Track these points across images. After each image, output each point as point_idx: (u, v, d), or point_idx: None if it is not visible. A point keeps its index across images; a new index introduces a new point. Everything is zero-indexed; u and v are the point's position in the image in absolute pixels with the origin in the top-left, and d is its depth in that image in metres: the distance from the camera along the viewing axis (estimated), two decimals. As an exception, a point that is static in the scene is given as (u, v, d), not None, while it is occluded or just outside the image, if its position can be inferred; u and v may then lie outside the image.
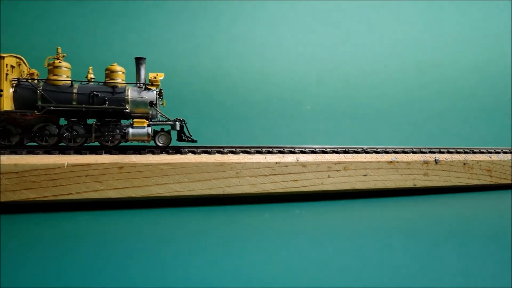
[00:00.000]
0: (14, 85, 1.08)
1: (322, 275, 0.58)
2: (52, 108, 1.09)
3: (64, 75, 1.13)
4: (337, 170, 1.16)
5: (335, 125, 2.31)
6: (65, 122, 1.15)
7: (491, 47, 2.67)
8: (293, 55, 2.34)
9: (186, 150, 1.15)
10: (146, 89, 1.19)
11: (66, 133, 1.12)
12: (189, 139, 1.22)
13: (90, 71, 1.18)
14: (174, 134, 1.22)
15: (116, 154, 1.05)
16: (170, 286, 0.53)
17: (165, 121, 1.21)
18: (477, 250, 0.71)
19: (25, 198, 0.92)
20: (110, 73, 1.18)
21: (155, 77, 1.20)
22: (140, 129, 1.14)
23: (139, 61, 1.22)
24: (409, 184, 1.25)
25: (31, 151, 1.02)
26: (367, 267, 0.61)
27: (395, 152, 1.33)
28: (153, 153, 1.09)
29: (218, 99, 2.13)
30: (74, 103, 1.11)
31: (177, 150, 1.15)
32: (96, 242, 0.73)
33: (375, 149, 1.32)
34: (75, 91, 1.12)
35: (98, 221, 0.89)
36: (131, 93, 1.17)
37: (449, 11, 2.61)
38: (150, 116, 1.19)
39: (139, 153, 1.07)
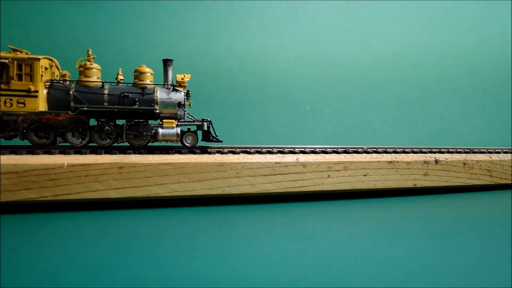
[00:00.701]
0: (47, 86, 1.09)
1: (322, 275, 0.58)
2: (85, 109, 1.10)
3: (95, 76, 1.15)
4: (337, 170, 1.16)
5: (335, 125, 2.31)
6: (94, 123, 1.17)
7: (491, 47, 2.67)
8: (293, 55, 2.34)
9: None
10: (174, 90, 1.21)
11: (99, 133, 1.14)
12: (215, 139, 1.24)
13: (120, 72, 1.20)
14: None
15: (116, 154, 1.05)
16: (170, 286, 0.53)
17: (193, 122, 1.24)
18: (477, 250, 0.71)
19: (25, 198, 0.92)
20: (139, 74, 1.20)
21: (182, 78, 1.22)
22: (169, 129, 1.16)
23: (166, 62, 1.25)
24: (409, 184, 1.25)
25: (31, 151, 1.02)
26: (367, 267, 0.61)
27: (395, 152, 1.33)
28: (153, 153, 1.09)
29: (218, 98, 2.13)
30: (105, 103, 1.13)
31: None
32: (96, 242, 0.73)
33: (375, 149, 1.32)
34: (106, 92, 1.14)
35: (98, 221, 0.89)
36: (160, 94, 1.19)
37: (450, 11, 2.61)
38: (178, 117, 1.21)
39: (139, 153, 1.07)
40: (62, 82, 1.11)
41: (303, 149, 1.24)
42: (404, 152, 1.33)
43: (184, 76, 1.23)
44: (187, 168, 1.02)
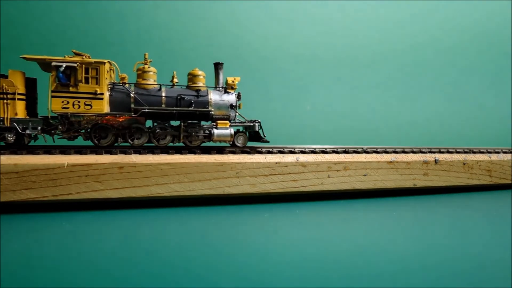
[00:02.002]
0: (109, 88, 1.13)
1: (322, 275, 0.58)
2: (146, 110, 1.14)
3: (151, 79, 1.19)
4: (337, 170, 1.16)
5: (335, 125, 2.31)
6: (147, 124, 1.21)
7: (491, 46, 2.67)
8: (293, 55, 2.34)
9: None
10: (226, 92, 1.26)
11: (159, 134, 1.18)
12: (264, 140, 1.28)
13: (175, 75, 1.23)
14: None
15: (116, 154, 1.05)
16: (170, 286, 0.53)
17: (244, 122, 1.29)
18: (477, 250, 0.71)
19: (25, 198, 0.92)
20: (192, 77, 1.24)
21: (233, 81, 1.27)
22: (224, 130, 1.20)
23: (218, 66, 1.29)
24: (409, 184, 1.25)
25: (31, 151, 1.02)
26: (367, 267, 0.61)
27: (395, 152, 1.33)
28: (153, 153, 1.09)
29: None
30: (163, 105, 1.17)
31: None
32: (96, 242, 0.73)
33: (375, 149, 1.32)
34: (163, 94, 1.17)
35: (98, 221, 0.89)
36: (213, 96, 1.23)
37: (450, 11, 2.61)
38: (230, 118, 1.24)
39: (139, 153, 1.07)
40: (122, 84, 1.15)
41: (303, 149, 1.24)
42: (404, 152, 1.34)
43: (235, 79, 1.27)
44: (187, 168, 1.02)
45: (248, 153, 1.16)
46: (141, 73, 1.18)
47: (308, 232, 0.82)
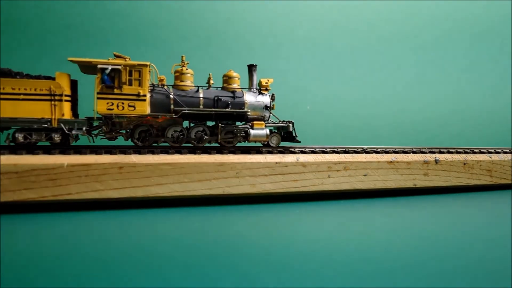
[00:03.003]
0: (150, 90, 1.15)
1: (322, 275, 0.58)
2: (187, 111, 1.16)
3: (189, 80, 1.22)
4: (337, 170, 1.16)
5: (335, 125, 2.31)
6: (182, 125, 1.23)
7: (491, 46, 2.67)
8: (293, 55, 2.34)
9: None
10: (261, 93, 1.29)
11: (200, 135, 1.21)
12: (297, 140, 1.31)
13: (211, 76, 1.27)
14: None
15: (116, 154, 1.05)
16: (170, 286, 0.53)
17: (277, 123, 1.32)
18: (477, 250, 0.71)
19: (25, 198, 0.92)
20: (228, 79, 1.27)
21: (266, 82, 1.30)
22: (260, 130, 1.24)
23: (251, 68, 1.33)
24: (409, 184, 1.25)
25: (31, 151, 1.02)
26: (367, 267, 0.61)
27: (395, 152, 1.33)
28: (153, 153, 1.09)
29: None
30: (201, 106, 1.20)
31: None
32: (96, 242, 0.73)
33: (375, 149, 1.32)
34: (201, 95, 1.20)
35: (98, 221, 0.89)
36: (248, 97, 1.26)
37: (450, 11, 2.61)
38: (264, 118, 1.28)
39: (139, 153, 1.07)
40: (161, 86, 1.18)
41: (303, 149, 1.24)
42: (404, 152, 1.33)
43: (268, 80, 1.30)
44: (187, 168, 1.02)
45: (248, 153, 1.16)
46: (179, 75, 1.21)
47: (308, 232, 0.82)
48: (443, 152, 1.38)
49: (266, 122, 1.28)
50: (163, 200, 1.05)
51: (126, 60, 1.11)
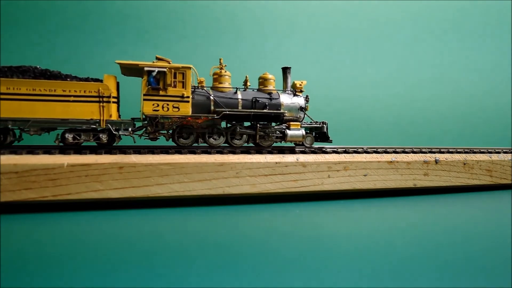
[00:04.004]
0: (191, 92, 1.18)
1: (322, 275, 0.58)
2: (227, 112, 1.20)
3: (227, 82, 1.26)
4: (337, 170, 1.16)
5: (335, 125, 2.31)
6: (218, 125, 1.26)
7: (491, 47, 2.67)
8: (293, 55, 2.34)
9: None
10: (295, 95, 1.32)
11: (237, 134, 1.24)
12: (329, 140, 1.36)
13: (247, 78, 1.31)
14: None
15: (116, 154, 1.05)
16: (170, 286, 0.53)
17: (311, 123, 1.36)
18: (477, 250, 0.71)
19: (25, 198, 0.92)
20: (264, 81, 1.31)
21: (300, 84, 1.34)
22: (296, 131, 1.27)
23: (286, 70, 1.37)
24: (409, 184, 1.25)
25: (31, 151, 1.02)
26: (367, 267, 0.61)
27: (395, 152, 1.33)
28: (153, 153, 1.09)
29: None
30: (239, 107, 1.23)
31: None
32: (96, 242, 0.73)
33: (375, 149, 1.32)
34: (240, 97, 1.24)
35: (98, 221, 0.89)
36: (284, 98, 1.29)
37: (450, 11, 2.61)
38: (299, 119, 1.31)
39: (139, 153, 1.07)
40: (201, 88, 1.22)
41: (303, 149, 1.24)
42: (404, 152, 1.33)
43: (302, 83, 1.34)
44: (187, 168, 1.02)
45: (248, 153, 1.16)
46: (218, 77, 1.25)
47: (308, 232, 0.82)
48: (443, 152, 1.38)
49: (300, 123, 1.32)
50: (163, 200, 1.05)
51: (169, 63, 1.14)
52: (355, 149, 1.30)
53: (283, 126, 1.30)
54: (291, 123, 1.28)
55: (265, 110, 1.24)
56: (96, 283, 0.53)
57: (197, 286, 0.53)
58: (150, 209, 1.01)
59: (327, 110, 2.34)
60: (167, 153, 1.11)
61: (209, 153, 1.13)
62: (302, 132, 1.27)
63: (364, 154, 1.26)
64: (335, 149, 1.28)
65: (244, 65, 2.25)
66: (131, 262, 0.62)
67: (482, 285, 0.55)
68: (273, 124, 1.31)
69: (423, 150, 1.38)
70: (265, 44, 2.31)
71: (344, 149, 1.29)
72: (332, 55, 2.41)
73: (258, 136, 1.24)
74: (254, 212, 1.01)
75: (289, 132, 1.26)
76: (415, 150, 1.37)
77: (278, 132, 1.27)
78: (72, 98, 1.05)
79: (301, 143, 1.31)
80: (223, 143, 1.25)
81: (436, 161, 1.28)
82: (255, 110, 1.23)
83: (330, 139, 1.35)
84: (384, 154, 1.28)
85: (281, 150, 1.22)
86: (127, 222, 0.89)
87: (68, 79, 1.07)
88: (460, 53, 2.63)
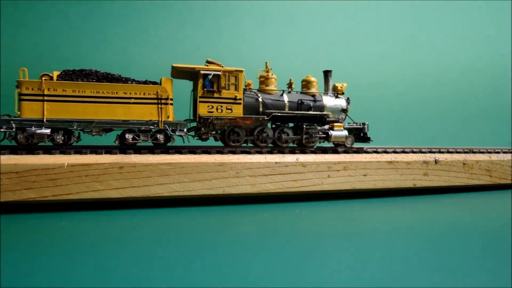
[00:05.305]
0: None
1: (322, 275, 0.58)
2: (278, 114, 1.23)
3: (273, 85, 1.30)
4: (337, 170, 1.16)
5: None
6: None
7: (491, 47, 2.67)
8: (293, 56, 2.34)
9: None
10: (337, 97, 1.37)
11: (285, 135, 1.27)
12: (369, 140, 1.40)
13: (292, 81, 1.34)
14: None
15: (116, 154, 1.05)
16: (170, 286, 0.53)
17: (352, 124, 1.39)
18: (477, 250, 0.71)
19: (25, 198, 0.92)
20: (307, 83, 1.35)
21: (341, 87, 1.38)
22: (340, 131, 1.31)
23: (327, 73, 1.42)
24: (409, 184, 1.25)
25: (31, 151, 1.02)
26: (367, 267, 0.61)
27: (395, 152, 1.33)
28: (153, 153, 1.09)
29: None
30: (286, 109, 1.26)
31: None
32: (96, 242, 0.73)
33: (375, 149, 1.32)
34: (286, 99, 1.27)
35: (98, 221, 0.89)
36: (327, 100, 1.33)
37: (449, 11, 2.61)
38: (340, 121, 1.36)
39: (139, 153, 1.07)
40: (250, 90, 1.25)
41: (303, 149, 1.24)
42: (404, 152, 1.34)
43: (342, 85, 1.38)
44: (187, 168, 1.02)
45: (248, 153, 1.16)
46: (264, 80, 1.29)
47: (308, 232, 0.82)
48: (442, 152, 1.38)
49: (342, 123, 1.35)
50: (163, 200, 1.05)
51: (221, 66, 1.17)
52: (355, 149, 1.30)
53: (325, 127, 1.33)
54: (334, 124, 1.31)
55: (310, 112, 1.27)
56: (96, 283, 0.53)
57: (197, 286, 0.53)
58: (150, 209, 1.01)
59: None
60: (167, 153, 1.11)
61: (209, 153, 1.13)
62: (345, 133, 1.31)
63: (364, 154, 1.26)
64: (335, 149, 1.28)
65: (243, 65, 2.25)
66: (131, 262, 0.62)
67: (482, 285, 0.55)
68: (316, 125, 1.33)
69: (423, 150, 1.38)
70: (265, 44, 2.31)
71: (344, 149, 1.29)
72: (332, 55, 2.41)
73: (304, 137, 1.27)
74: (254, 212, 1.01)
75: (333, 133, 1.29)
76: (414, 150, 1.37)
77: (321, 133, 1.30)
78: (132, 100, 1.09)
79: (342, 143, 1.33)
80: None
81: (436, 161, 1.28)
82: (302, 112, 1.27)
83: (371, 139, 1.38)
84: (384, 154, 1.28)
85: (281, 151, 1.22)
86: (127, 222, 0.89)
87: (129, 82, 1.11)
88: (460, 53, 2.63)
